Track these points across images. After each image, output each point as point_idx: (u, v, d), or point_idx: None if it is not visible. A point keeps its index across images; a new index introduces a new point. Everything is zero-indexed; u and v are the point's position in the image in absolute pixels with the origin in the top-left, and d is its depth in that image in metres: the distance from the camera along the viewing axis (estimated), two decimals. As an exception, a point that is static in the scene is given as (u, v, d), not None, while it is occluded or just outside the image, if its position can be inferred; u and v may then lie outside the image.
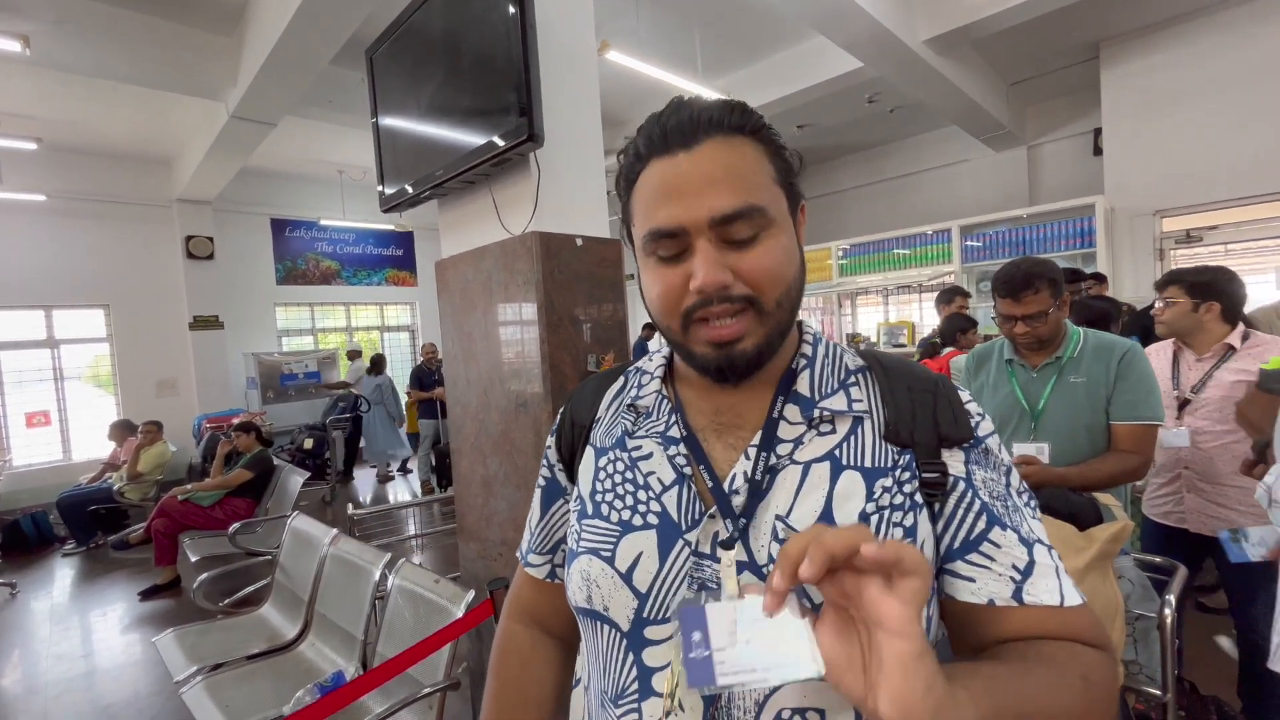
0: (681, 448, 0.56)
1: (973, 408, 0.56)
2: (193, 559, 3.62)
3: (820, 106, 5.54)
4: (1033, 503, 0.55)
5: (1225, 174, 4.49)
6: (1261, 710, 1.78)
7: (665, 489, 0.55)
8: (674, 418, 0.58)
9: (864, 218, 7.23)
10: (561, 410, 0.69)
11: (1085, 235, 4.72)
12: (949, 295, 4.09)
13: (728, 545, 0.49)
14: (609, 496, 0.58)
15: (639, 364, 0.66)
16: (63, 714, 2.67)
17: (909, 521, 0.50)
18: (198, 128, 5.49)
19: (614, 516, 0.56)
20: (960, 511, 0.51)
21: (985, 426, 0.55)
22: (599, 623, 0.55)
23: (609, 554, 0.54)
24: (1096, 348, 1.62)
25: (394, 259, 9.18)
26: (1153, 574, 1.42)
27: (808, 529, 0.40)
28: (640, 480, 0.56)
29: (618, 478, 0.58)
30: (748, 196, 0.49)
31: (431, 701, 1.72)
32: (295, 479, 4.10)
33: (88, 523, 5.13)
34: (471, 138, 1.78)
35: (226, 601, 2.93)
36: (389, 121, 2.13)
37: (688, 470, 0.54)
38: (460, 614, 1.67)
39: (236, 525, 3.57)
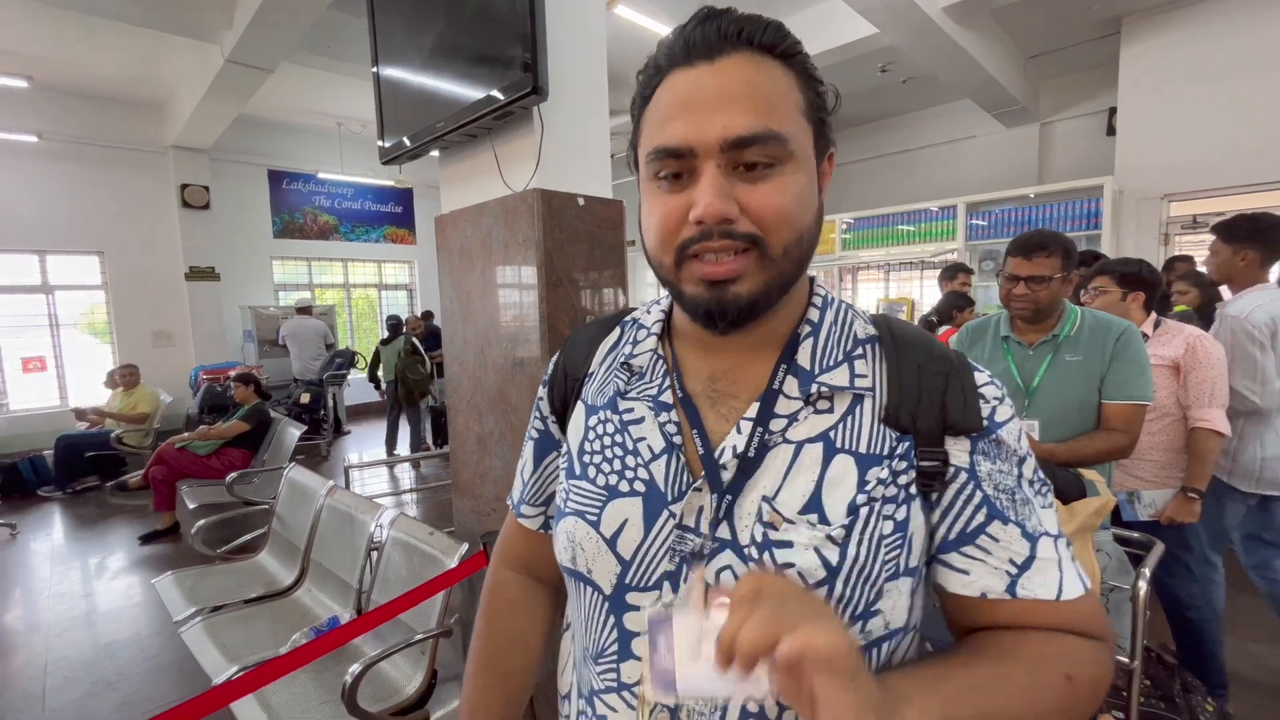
0: (673, 415, 0.53)
1: (989, 391, 0.51)
2: (190, 506, 3.67)
3: (832, 74, 5.33)
4: (1045, 490, 0.51)
5: (1237, 160, 4.43)
6: (1195, 659, 1.94)
7: (654, 457, 0.52)
8: (667, 381, 0.55)
9: (869, 191, 7.14)
10: (554, 359, 0.66)
11: (1092, 217, 4.68)
12: (952, 272, 4.08)
13: (698, 556, 0.48)
14: (597, 459, 0.56)
15: (636, 314, 0.62)
16: (64, 651, 2.74)
17: (900, 515, 0.47)
18: (192, 71, 5.34)
19: (601, 480, 0.54)
20: (959, 504, 0.48)
21: (1002, 412, 0.50)
22: (582, 583, 0.54)
23: (594, 518, 0.53)
24: (1094, 327, 1.62)
25: (393, 216, 9.07)
26: (1130, 549, 1.46)
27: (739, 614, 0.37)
28: (630, 445, 0.54)
29: (607, 440, 0.56)
30: (768, 121, 0.44)
31: (424, 648, 1.77)
32: (292, 432, 4.14)
33: (83, 468, 5.19)
34: (474, 88, 1.74)
35: (225, 549, 2.98)
36: (390, 67, 2.08)
37: (678, 439, 0.52)
38: (454, 564, 1.71)
39: (233, 475, 3.62)
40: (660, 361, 0.56)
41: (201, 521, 2.98)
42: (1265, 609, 2.73)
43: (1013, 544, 0.48)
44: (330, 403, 6.59)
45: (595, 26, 1.91)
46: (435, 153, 2.17)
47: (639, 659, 0.50)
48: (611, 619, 0.52)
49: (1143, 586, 1.31)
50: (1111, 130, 5.18)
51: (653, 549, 0.50)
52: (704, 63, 0.45)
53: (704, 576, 0.47)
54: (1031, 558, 0.48)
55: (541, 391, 0.66)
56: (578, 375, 0.62)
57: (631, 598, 0.51)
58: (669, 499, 0.51)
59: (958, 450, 0.49)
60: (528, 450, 0.67)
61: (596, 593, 0.53)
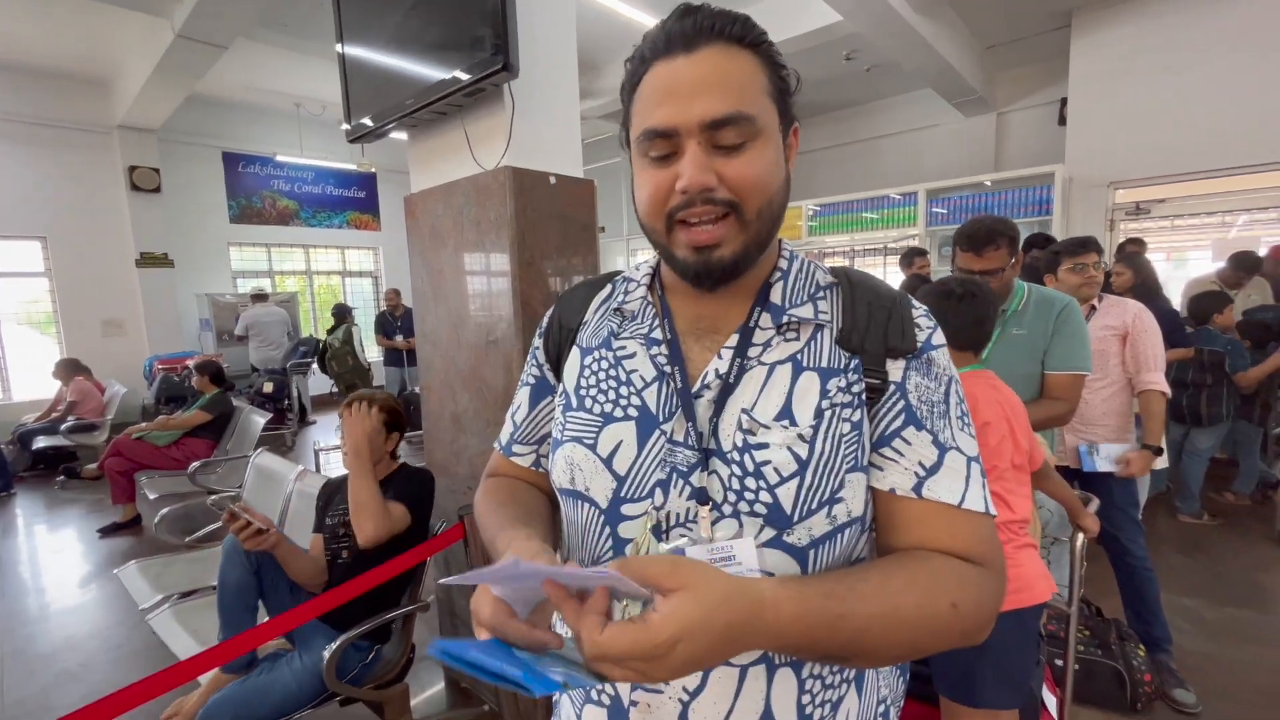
0: (664, 348, 0.61)
1: (924, 322, 0.59)
2: (151, 497, 3.58)
3: (798, 61, 5.42)
4: (968, 420, 0.58)
5: (1180, 148, 4.67)
6: (1145, 615, 2.06)
7: (646, 385, 0.60)
8: (657, 321, 0.63)
9: (834, 178, 7.27)
10: (549, 313, 0.73)
11: (1044, 204, 4.88)
12: (909, 258, 4.24)
13: (703, 499, 0.54)
14: (593, 391, 0.63)
15: (626, 273, 0.70)
16: (21, 645, 2.67)
17: (855, 417, 0.55)
18: (140, 47, 5.10)
19: (597, 409, 0.61)
20: (886, 409, 0.56)
21: (936, 339, 0.59)
22: (580, 501, 0.61)
23: (591, 442, 0.60)
24: (1039, 302, 1.73)
25: (356, 201, 8.85)
26: (1070, 505, 1.56)
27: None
28: (623, 377, 0.61)
29: (602, 374, 0.63)
30: (739, 104, 0.52)
31: (402, 623, 1.79)
32: (256, 420, 4.06)
33: (29, 461, 5.00)
34: (444, 65, 1.73)
35: (190, 538, 2.93)
36: (356, 44, 2.04)
37: (668, 368, 0.60)
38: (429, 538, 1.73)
39: (196, 464, 3.53)
40: (650, 306, 0.65)
41: (165, 510, 2.93)
42: (1198, 568, 2.95)
43: (923, 449, 0.55)
44: (295, 392, 6.44)
45: (565, 6, 1.91)
46: (404, 135, 2.15)
47: None
48: (607, 529, 0.59)
49: (1080, 538, 1.42)
50: (1063, 120, 5.39)
51: (646, 463, 0.57)
52: (683, 54, 0.53)
53: (709, 515, 0.54)
54: (939, 464, 0.55)
55: (537, 342, 0.73)
56: (572, 325, 0.69)
57: (625, 509, 0.58)
58: (660, 419, 0.58)
59: (895, 369, 0.57)
60: (522, 394, 0.73)
61: (593, 508, 0.59)
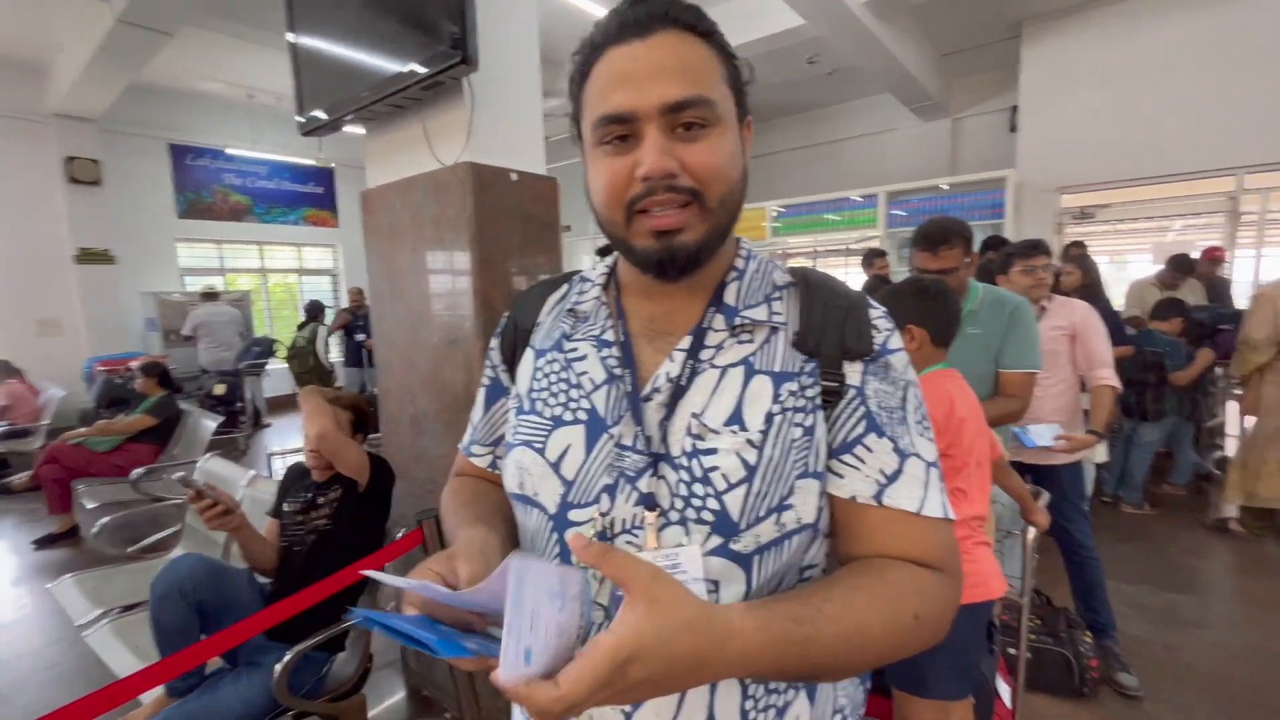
0: (614, 350, 0.59)
1: (881, 324, 0.58)
2: (89, 506, 3.39)
3: (762, 63, 5.53)
4: (927, 424, 0.58)
5: (1123, 155, 4.90)
6: (1092, 603, 2.15)
7: (596, 388, 0.58)
8: (610, 323, 0.61)
9: (798, 180, 7.39)
10: (506, 314, 0.71)
11: (997, 207, 5.06)
12: (870, 259, 4.34)
13: (650, 505, 0.53)
14: (545, 395, 0.61)
15: (583, 272, 0.68)
16: (-56, 666, 2.49)
17: (808, 422, 0.54)
18: (78, 30, 4.82)
19: (547, 412, 0.60)
20: (846, 415, 0.55)
21: (893, 342, 0.58)
22: (529, 506, 0.59)
23: (540, 446, 0.58)
24: (992, 302, 1.78)
25: (313, 197, 8.57)
26: (1022, 499, 1.62)
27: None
28: (574, 380, 0.60)
29: (554, 377, 0.61)
30: (698, 88, 0.51)
31: (359, 632, 1.74)
32: (206, 424, 3.88)
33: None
34: (401, 58, 1.68)
35: (133, 548, 2.78)
36: (308, 34, 1.97)
37: (618, 371, 0.58)
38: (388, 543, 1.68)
39: (140, 470, 3.36)
40: (603, 307, 0.63)
41: (104, 520, 2.77)
42: (1139, 556, 3.09)
43: (884, 456, 0.54)
44: (248, 394, 6.20)
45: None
46: (360, 129, 2.09)
47: (575, 567, 0.54)
48: (555, 535, 0.57)
49: (1032, 532, 1.46)
50: (1014, 127, 5.59)
51: (593, 468, 0.56)
52: (637, 39, 0.51)
53: (655, 521, 0.53)
54: (899, 471, 0.54)
55: (494, 343, 0.72)
56: (527, 326, 0.68)
57: (573, 514, 0.56)
58: (609, 423, 0.56)
59: (853, 372, 0.56)
60: (480, 396, 0.73)
61: (542, 513, 0.58)
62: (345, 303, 6.35)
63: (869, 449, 0.54)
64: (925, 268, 1.74)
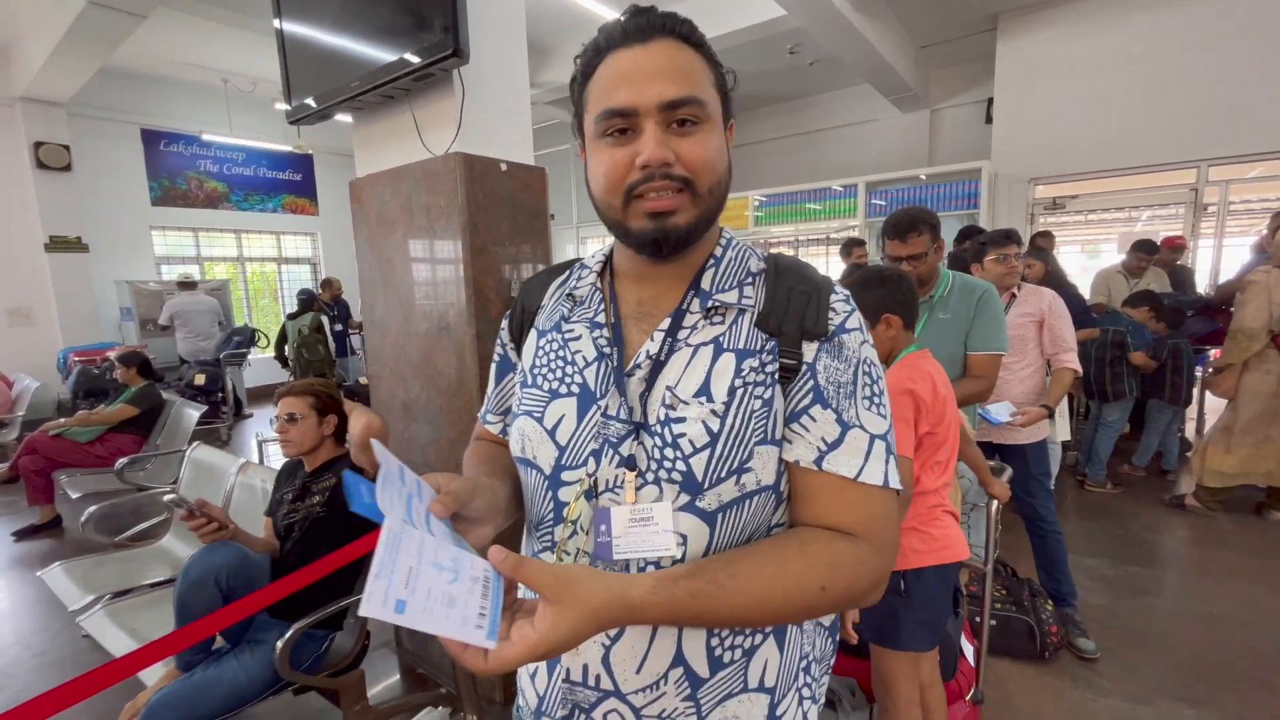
0: (605, 331, 0.66)
1: (839, 306, 0.63)
2: (73, 496, 3.37)
3: (745, 53, 5.59)
4: (879, 400, 0.62)
5: (1093, 148, 5.05)
6: (1055, 574, 2.27)
7: (588, 364, 0.65)
8: (603, 306, 0.68)
9: (779, 169, 7.47)
10: (515, 298, 0.79)
11: (972, 197, 5.18)
12: (849, 248, 4.44)
13: (630, 466, 0.60)
14: (544, 370, 0.68)
15: (583, 259, 0.75)
16: (-68, 655, 2.49)
17: (767, 395, 0.60)
18: (46, 11, 4.70)
19: (546, 386, 0.67)
20: (797, 389, 0.60)
21: (850, 323, 0.63)
22: (529, 468, 0.67)
23: (539, 415, 0.66)
24: (961, 288, 1.87)
25: (292, 184, 8.44)
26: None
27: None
28: (569, 357, 0.67)
29: (552, 355, 0.69)
30: (692, 89, 0.58)
31: (356, 611, 1.79)
32: (190, 413, 3.87)
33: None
34: (391, 48, 1.70)
35: (120, 537, 2.79)
36: (296, 21, 1.98)
37: (608, 350, 0.65)
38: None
39: (124, 460, 3.35)
40: (598, 292, 0.70)
41: (92, 508, 2.76)
42: (1101, 531, 3.25)
43: (826, 426, 0.59)
44: (229, 384, 6.14)
45: (514, -8, 1.91)
46: (348, 118, 2.10)
47: (565, 521, 0.62)
48: (550, 493, 0.65)
49: (995, 504, 1.56)
50: (989, 118, 5.72)
51: (583, 435, 0.63)
52: (638, 45, 0.59)
53: (634, 481, 0.60)
54: (840, 440, 0.59)
55: (504, 324, 0.80)
56: (532, 309, 0.75)
57: (565, 475, 0.64)
58: (598, 396, 0.64)
59: (809, 351, 0.61)
60: (492, 371, 0.82)
61: (539, 473, 0.65)
62: (330, 292, 6.30)
63: (813, 419, 0.60)
64: (896, 255, 1.82)
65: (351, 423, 1.70)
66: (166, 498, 1.97)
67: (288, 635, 1.51)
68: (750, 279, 0.65)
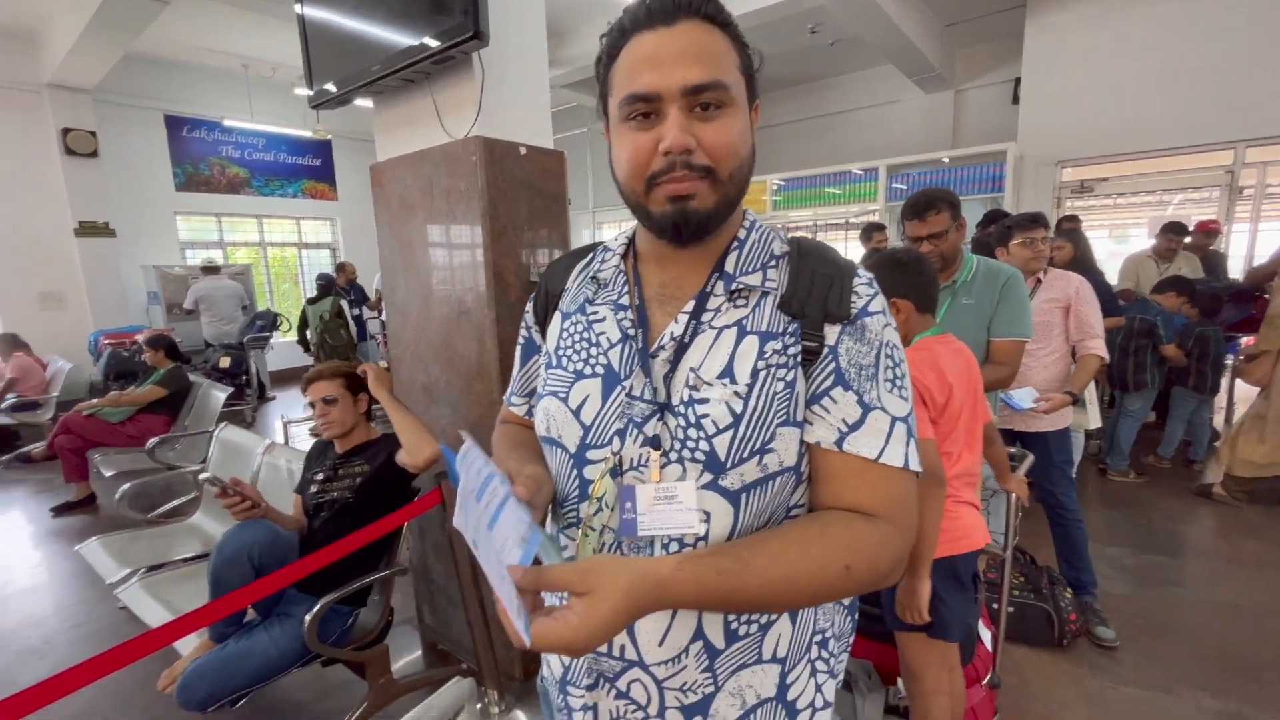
0: (629, 313, 0.67)
1: (863, 290, 0.63)
2: (106, 474, 3.49)
3: (765, 33, 5.50)
4: (900, 383, 0.62)
5: (1124, 129, 4.90)
6: (1075, 562, 2.25)
7: (612, 346, 0.66)
8: (626, 288, 0.69)
9: (799, 152, 7.37)
10: (539, 281, 0.80)
11: (997, 180, 5.07)
12: (869, 232, 4.38)
13: (655, 445, 0.60)
14: (569, 352, 0.69)
15: (606, 242, 0.75)
16: (-21, 624, 2.60)
17: (789, 377, 0.60)
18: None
19: (570, 367, 0.68)
20: (819, 371, 0.61)
21: (873, 305, 0.62)
22: (555, 447, 0.68)
23: (564, 395, 0.67)
24: (986, 273, 1.84)
25: (311, 169, 8.52)
26: (1012, 461, 1.70)
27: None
28: (593, 339, 0.68)
29: (576, 337, 0.69)
30: (716, 73, 0.57)
31: (380, 588, 1.84)
32: (217, 395, 3.96)
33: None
34: (411, 32, 1.70)
35: (153, 514, 2.88)
36: (317, 6, 1.99)
37: (632, 331, 0.65)
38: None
39: (154, 440, 3.45)
40: (622, 275, 0.71)
41: (126, 486, 2.86)
42: (1123, 520, 3.20)
43: (848, 407, 0.60)
44: (253, 367, 6.27)
45: (532, -28, 1.90)
46: (368, 102, 2.11)
47: (590, 498, 0.63)
48: (575, 471, 0.66)
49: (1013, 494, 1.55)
50: (1016, 99, 5.57)
51: (608, 415, 0.64)
52: (663, 26, 0.58)
53: (659, 460, 0.61)
54: (861, 422, 0.59)
55: (528, 307, 0.81)
56: (556, 291, 0.76)
57: (590, 454, 0.65)
58: (622, 377, 0.64)
59: (832, 334, 0.61)
60: (517, 354, 0.83)
61: (564, 453, 0.67)
62: (345, 277, 6.36)
63: (834, 400, 0.60)
64: (915, 235, 1.79)
65: (368, 371, 1.83)
66: (202, 476, 2.04)
67: (315, 609, 1.56)
68: (774, 262, 0.65)
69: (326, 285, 5.93)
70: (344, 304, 5.64)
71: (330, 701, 2.02)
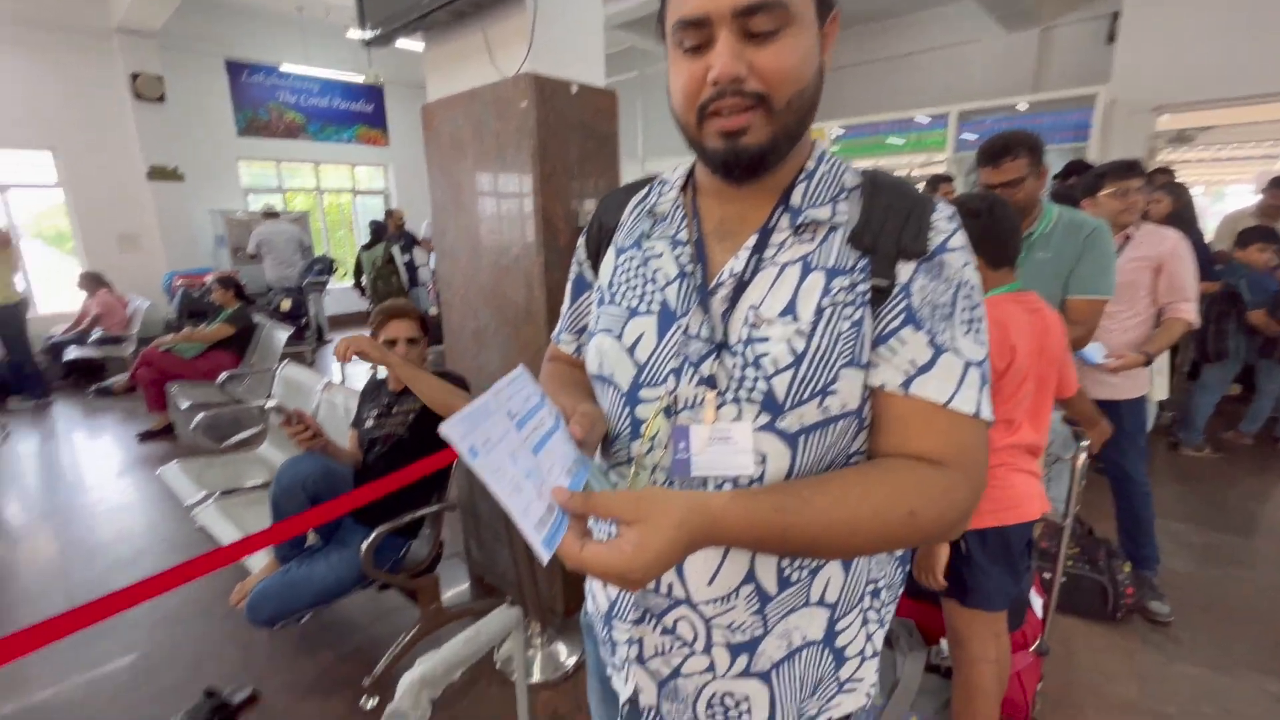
0: (688, 249, 0.64)
1: (942, 224, 0.58)
2: (182, 406, 3.74)
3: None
4: (978, 326, 0.58)
5: (1233, 71, 4.37)
6: (1137, 535, 2.15)
7: (669, 282, 0.63)
8: (685, 223, 0.65)
9: (859, 98, 6.92)
10: (592, 215, 0.77)
11: (1081, 129, 4.66)
12: (934, 184, 4.13)
13: (711, 385, 0.58)
14: (623, 288, 0.67)
15: (663, 175, 0.71)
16: (79, 535, 2.88)
17: (856, 316, 0.56)
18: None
19: (625, 304, 0.66)
20: (889, 310, 0.56)
21: (953, 241, 0.57)
22: (606, 385, 0.66)
23: (618, 333, 0.65)
24: (1068, 225, 1.70)
25: (364, 115, 8.59)
26: (1076, 426, 1.61)
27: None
28: (649, 275, 0.65)
29: (632, 272, 0.67)
30: None
31: (431, 521, 1.92)
32: (279, 334, 4.15)
33: (62, 371, 5.18)
34: (461, -38, 1.65)
35: (225, 443, 3.08)
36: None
37: (689, 268, 0.63)
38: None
39: (225, 374, 3.66)
40: (680, 209, 0.67)
41: (200, 416, 3.06)
42: (1192, 496, 3.03)
43: (918, 348, 0.56)
44: (311, 310, 6.52)
45: (587, -106, 1.79)
46: (419, 45, 2.07)
47: (643, 436, 0.62)
48: (627, 410, 0.64)
49: (1082, 457, 1.47)
50: (1112, 37, 5.04)
51: (663, 354, 0.62)
52: None
53: (714, 400, 0.58)
54: (931, 364, 0.55)
55: (580, 240, 0.78)
56: (610, 225, 0.73)
57: (643, 393, 0.63)
58: (678, 314, 0.62)
59: (905, 271, 0.57)
60: (567, 289, 0.80)
61: (617, 391, 0.65)
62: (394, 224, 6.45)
63: (903, 341, 0.56)
64: (990, 183, 1.66)
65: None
66: (269, 405, 2.13)
67: (371, 537, 1.65)
68: (844, 194, 0.61)
69: (378, 231, 6.04)
70: (395, 250, 5.74)
71: (384, 624, 2.16)
